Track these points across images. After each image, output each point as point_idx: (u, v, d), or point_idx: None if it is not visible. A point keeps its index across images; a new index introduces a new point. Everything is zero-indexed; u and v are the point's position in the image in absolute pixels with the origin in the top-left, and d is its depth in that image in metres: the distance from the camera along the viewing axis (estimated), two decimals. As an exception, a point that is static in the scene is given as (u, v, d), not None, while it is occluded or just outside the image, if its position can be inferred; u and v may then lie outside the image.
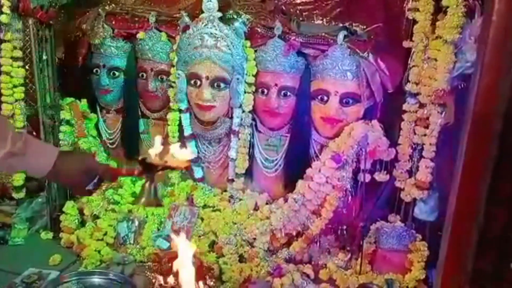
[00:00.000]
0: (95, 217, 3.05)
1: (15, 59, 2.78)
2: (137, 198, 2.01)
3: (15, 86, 2.85)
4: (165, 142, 1.91)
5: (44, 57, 2.88)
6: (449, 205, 0.58)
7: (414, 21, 2.56)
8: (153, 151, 1.84)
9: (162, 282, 2.33)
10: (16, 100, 2.87)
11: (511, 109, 0.51)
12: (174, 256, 2.55)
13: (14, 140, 1.41)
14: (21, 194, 3.04)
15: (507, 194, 0.53)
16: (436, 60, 2.50)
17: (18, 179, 2.99)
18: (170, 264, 2.52)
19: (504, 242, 0.56)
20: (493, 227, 0.54)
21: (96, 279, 2.41)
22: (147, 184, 1.90)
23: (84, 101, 3.22)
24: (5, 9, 2.72)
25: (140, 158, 1.85)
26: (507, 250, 0.56)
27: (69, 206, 3.08)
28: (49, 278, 2.52)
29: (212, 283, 2.46)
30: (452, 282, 0.58)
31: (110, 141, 3.34)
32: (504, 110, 0.51)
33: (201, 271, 2.44)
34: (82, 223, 3.06)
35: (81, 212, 3.10)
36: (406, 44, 2.60)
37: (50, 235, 3.08)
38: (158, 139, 1.90)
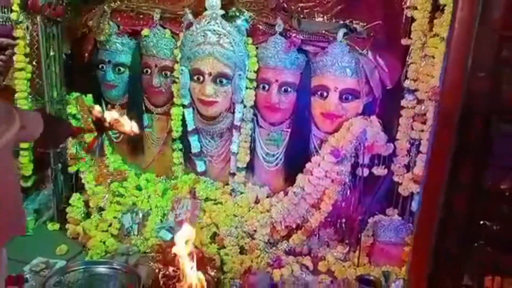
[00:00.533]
0: (100, 209, 3.13)
1: (26, 55, 2.86)
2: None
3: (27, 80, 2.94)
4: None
5: (52, 53, 2.96)
6: (420, 189, 0.64)
7: (412, 19, 2.60)
8: (108, 115, 2.10)
9: (167, 272, 2.42)
10: (29, 95, 2.95)
11: (469, 102, 0.56)
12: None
13: (19, 116, 1.52)
14: (30, 183, 3.12)
15: (466, 179, 0.59)
16: (433, 57, 2.55)
17: (28, 168, 3.07)
18: (173, 255, 2.62)
19: (467, 224, 0.61)
20: (454, 210, 0.60)
21: (101, 269, 2.48)
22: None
23: (89, 96, 3.29)
24: (15, 6, 2.80)
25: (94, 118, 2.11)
26: (470, 231, 0.61)
27: (75, 198, 3.16)
28: (56, 267, 2.60)
29: (213, 273, 2.54)
30: (419, 258, 0.64)
31: (115, 135, 3.39)
32: (463, 102, 0.56)
33: (203, 262, 2.52)
34: (88, 215, 3.14)
35: (86, 204, 3.18)
36: (404, 41, 2.65)
37: (56, 226, 3.17)
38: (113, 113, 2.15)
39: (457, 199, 0.59)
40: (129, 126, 2.14)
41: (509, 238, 0.60)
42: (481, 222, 0.61)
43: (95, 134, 2.27)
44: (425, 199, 0.62)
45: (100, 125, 2.11)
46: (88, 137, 3.19)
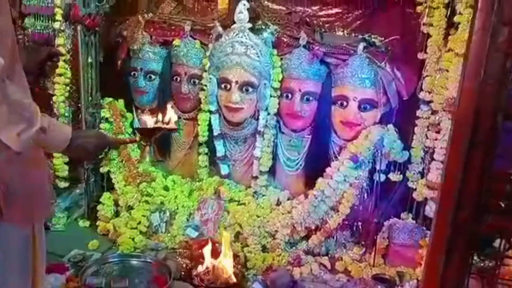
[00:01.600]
0: (130, 208, 3.29)
1: (66, 61, 3.07)
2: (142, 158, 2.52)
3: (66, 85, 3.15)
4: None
5: (89, 60, 3.16)
6: (441, 176, 0.79)
7: (428, 35, 2.75)
8: (147, 120, 2.15)
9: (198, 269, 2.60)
10: (66, 99, 3.16)
11: (482, 106, 0.72)
12: (203, 244, 2.82)
13: (42, 118, 1.59)
14: (66, 184, 3.30)
15: (478, 163, 0.75)
16: (447, 71, 2.69)
17: (63, 169, 3.26)
18: (200, 251, 2.79)
19: (477, 201, 0.76)
20: (467, 191, 0.75)
21: (134, 261, 2.67)
22: (147, 147, 2.26)
23: (121, 101, 3.47)
24: (58, 16, 3.02)
25: (135, 127, 2.16)
26: (481, 208, 0.77)
27: (106, 197, 3.34)
28: (92, 258, 2.78)
29: (238, 269, 2.71)
30: (440, 232, 0.79)
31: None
32: (478, 108, 0.72)
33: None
34: (117, 213, 3.32)
35: (116, 203, 3.36)
36: (420, 55, 2.79)
37: (87, 223, 3.35)
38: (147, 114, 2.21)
39: (470, 180, 0.74)
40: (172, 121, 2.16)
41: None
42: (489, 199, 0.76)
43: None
44: (446, 185, 0.77)
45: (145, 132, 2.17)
46: (132, 151, 3.38)
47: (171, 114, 2.13)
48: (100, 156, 2.03)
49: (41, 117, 1.59)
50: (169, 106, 2.42)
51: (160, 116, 2.09)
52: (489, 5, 0.70)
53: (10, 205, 1.61)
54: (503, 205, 0.78)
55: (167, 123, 2.11)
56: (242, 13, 3.01)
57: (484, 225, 0.76)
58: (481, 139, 0.73)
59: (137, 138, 2.24)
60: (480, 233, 0.76)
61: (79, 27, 3.07)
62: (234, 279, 2.59)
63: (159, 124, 2.10)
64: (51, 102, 3.20)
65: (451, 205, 0.75)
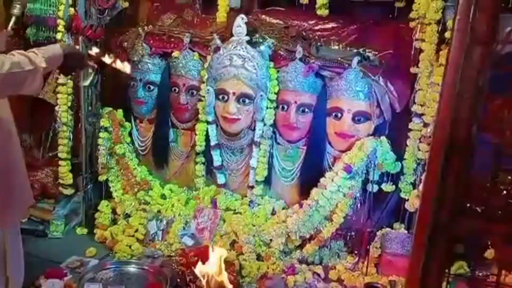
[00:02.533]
0: (127, 216, 3.35)
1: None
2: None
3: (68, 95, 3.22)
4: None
5: (90, 71, 3.22)
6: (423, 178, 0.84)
7: (421, 50, 2.81)
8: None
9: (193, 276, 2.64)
10: (68, 108, 3.22)
11: (458, 117, 0.78)
12: (199, 252, 2.87)
13: (35, 58, 1.83)
14: (71, 191, 3.35)
15: (455, 168, 0.80)
16: (439, 85, 2.74)
17: (67, 177, 3.32)
18: (196, 258, 2.84)
19: (456, 205, 0.83)
20: (446, 195, 0.81)
21: (132, 268, 2.72)
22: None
23: (120, 111, 3.55)
24: (60, 27, 3.10)
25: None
26: (459, 212, 0.82)
27: (104, 205, 3.40)
28: (89, 265, 2.83)
29: (233, 277, 2.75)
30: (424, 230, 0.85)
31: (142, 148, 3.63)
32: (454, 117, 0.79)
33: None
34: (114, 221, 3.38)
35: (113, 211, 3.42)
36: (413, 70, 2.86)
37: (85, 230, 3.41)
38: None
39: (448, 183, 0.79)
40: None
41: (487, 216, 0.81)
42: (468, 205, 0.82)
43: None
44: (427, 185, 0.82)
45: None
46: (119, 149, 3.45)
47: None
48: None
49: (33, 57, 1.77)
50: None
51: None
52: (464, 26, 0.77)
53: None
54: (479, 210, 0.84)
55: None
56: (240, 26, 3.09)
57: (462, 227, 0.83)
58: (458, 147, 0.79)
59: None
60: (458, 235, 0.83)
61: (80, 38, 3.15)
62: (229, 286, 2.64)
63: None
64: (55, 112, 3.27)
65: (431, 207, 0.82)
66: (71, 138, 3.41)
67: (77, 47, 3.12)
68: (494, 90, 0.84)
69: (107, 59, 3.03)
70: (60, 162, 3.29)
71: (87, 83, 3.15)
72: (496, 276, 0.93)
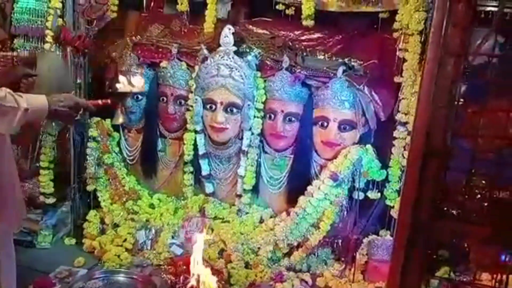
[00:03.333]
0: (115, 226, 3.36)
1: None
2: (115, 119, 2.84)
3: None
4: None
5: (78, 81, 3.24)
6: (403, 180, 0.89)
7: (404, 60, 2.87)
8: (119, 85, 2.38)
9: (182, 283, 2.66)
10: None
11: (434, 125, 0.83)
12: (187, 261, 2.88)
13: (19, 99, 1.83)
14: (52, 200, 3.35)
15: (432, 172, 0.85)
16: (422, 93, 2.82)
17: (48, 186, 3.31)
18: (184, 267, 2.85)
19: (433, 207, 0.87)
20: (423, 197, 0.86)
21: (121, 278, 2.73)
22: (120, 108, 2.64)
23: (108, 121, 3.55)
24: (48, 38, 3.11)
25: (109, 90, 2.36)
26: (437, 214, 0.87)
27: (92, 215, 3.40)
28: (78, 274, 2.83)
29: (221, 285, 2.77)
30: (404, 232, 0.89)
31: (130, 158, 3.65)
32: (430, 124, 0.83)
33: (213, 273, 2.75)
34: (102, 231, 3.37)
35: (102, 221, 3.42)
36: (397, 79, 2.92)
37: (73, 241, 3.39)
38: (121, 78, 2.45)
39: (426, 185, 0.84)
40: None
41: (463, 219, 0.85)
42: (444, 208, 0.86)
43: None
44: (407, 188, 0.86)
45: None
46: (107, 158, 3.46)
47: (139, 79, 2.42)
48: (76, 118, 2.21)
49: (18, 98, 1.78)
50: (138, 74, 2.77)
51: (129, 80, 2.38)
52: (437, 39, 0.81)
53: None
54: (455, 213, 0.88)
55: (135, 87, 2.39)
56: (227, 36, 3.13)
57: (440, 229, 0.87)
58: (434, 153, 0.83)
59: (109, 101, 2.35)
60: (436, 235, 0.87)
61: (68, 49, 3.16)
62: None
63: (128, 88, 2.36)
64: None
65: (410, 209, 0.86)
66: (55, 147, 3.40)
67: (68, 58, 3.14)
68: (468, 99, 0.89)
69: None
70: (41, 171, 3.28)
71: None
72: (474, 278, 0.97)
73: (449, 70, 0.80)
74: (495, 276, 0.95)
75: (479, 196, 0.92)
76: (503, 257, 0.92)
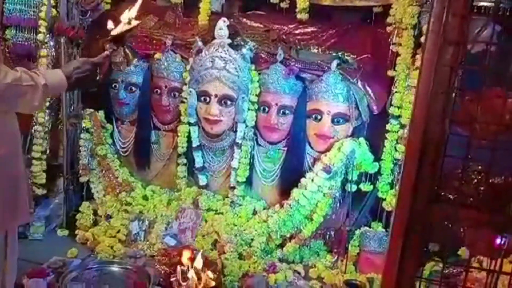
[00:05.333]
0: (108, 217, 3.36)
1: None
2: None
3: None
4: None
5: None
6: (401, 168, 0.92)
7: (398, 54, 2.91)
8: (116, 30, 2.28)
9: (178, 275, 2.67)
10: (47, 108, 3.22)
11: (433, 111, 0.85)
12: (181, 252, 2.90)
13: (37, 77, 1.82)
14: (43, 191, 3.34)
15: (431, 158, 0.87)
16: (415, 87, 2.85)
17: (41, 177, 3.30)
18: (178, 258, 2.87)
19: (431, 192, 0.90)
20: (422, 182, 0.88)
21: (115, 268, 2.73)
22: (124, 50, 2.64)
23: (101, 112, 3.55)
24: (42, 28, 3.09)
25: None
26: (434, 198, 0.89)
27: (85, 206, 3.41)
28: (72, 265, 2.82)
29: (215, 275, 2.79)
30: (400, 216, 0.91)
31: (123, 149, 3.64)
32: (429, 112, 0.86)
33: (207, 264, 2.78)
34: (95, 223, 3.37)
35: (94, 212, 3.42)
36: (390, 73, 2.96)
37: (66, 232, 3.39)
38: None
39: (424, 176, 0.86)
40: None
41: (459, 203, 0.88)
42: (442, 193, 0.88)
43: None
44: (405, 179, 0.89)
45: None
46: (101, 150, 3.46)
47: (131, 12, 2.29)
48: (97, 79, 2.15)
49: (35, 76, 1.77)
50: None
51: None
52: (437, 28, 0.83)
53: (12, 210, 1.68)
54: (452, 197, 0.91)
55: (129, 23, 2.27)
56: (222, 29, 3.14)
57: (437, 212, 0.89)
58: (433, 139, 0.86)
59: (110, 50, 2.28)
60: (433, 219, 0.89)
61: (62, 39, 3.15)
62: (213, 283, 2.68)
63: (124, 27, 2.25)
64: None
65: (409, 194, 0.88)
66: (47, 138, 3.39)
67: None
68: (465, 87, 0.91)
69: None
70: (34, 161, 3.28)
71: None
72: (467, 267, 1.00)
73: (448, 58, 0.83)
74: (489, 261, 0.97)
75: (475, 181, 0.95)
76: (498, 241, 0.95)
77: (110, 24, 2.28)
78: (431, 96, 0.85)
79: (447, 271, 2.48)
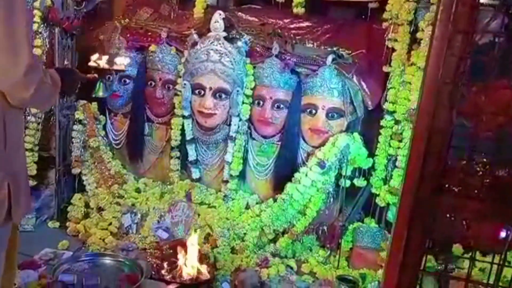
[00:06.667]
0: (100, 209, 3.34)
1: (43, 64, 3.09)
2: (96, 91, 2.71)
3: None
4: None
5: (66, 63, 3.20)
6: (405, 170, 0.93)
7: (393, 49, 2.91)
8: (102, 62, 2.43)
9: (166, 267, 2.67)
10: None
11: (440, 101, 0.85)
12: (174, 245, 2.89)
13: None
14: (33, 182, 3.29)
15: (436, 151, 0.87)
16: (410, 83, 2.87)
17: (32, 168, 3.27)
18: (170, 251, 2.86)
19: (435, 183, 0.90)
20: (427, 171, 0.88)
21: (107, 260, 2.71)
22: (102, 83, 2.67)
23: (95, 104, 3.51)
24: (36, 18, 3.06)
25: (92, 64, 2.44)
26: (438, 190, 0.89)
27: (77, 198, 3.38)
28: (63, 257, 2.80)
29: (208, 269, 2.78)
30: (405, 204, 0.91)
31: (116, 142, 3.62)
32: (436, 102, 0.86)
33: (200, 258, 2.77)
34: (86, 215, 3.35)
35: (86, 204, 3.40)
36: (385, 69, 2.96)
37: (57, 224, 3.36)
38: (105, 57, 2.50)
39: (425, 177, 0.86)
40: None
41: (464, 195, 0.88)
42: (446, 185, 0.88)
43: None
44: (408, 178, 0.89)
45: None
46: (93, 142, 3.43)
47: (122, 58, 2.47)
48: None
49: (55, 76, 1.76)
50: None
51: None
52: (446, 17, 0.83)
53: (17, 202, 1.67)
54: (456, 190, 0.91)
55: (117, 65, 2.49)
56: (217, 22, 3.12)
57: (441, 203, 0.89)
58: (439, 130, 0.86)
59: (96, 76, 2.35)
60: (437, 210, 0.89)
61: (56, 30, 3.12)
62: (207, 275, 2.68)
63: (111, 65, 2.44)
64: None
65: (414, 183, 0.88)
66: (39, 129, 3.36)
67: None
68: (472, 77, 0.91)
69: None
70: (26, 153, 3.24)
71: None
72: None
73: (457, 47, 0.83)
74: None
75: (480, 173, 0.95)
76: (502, 234, 0.95)
77: (96, 56, 2.46)
78: (439, 85, 0.85)
79: (440, 267, 2.49)
